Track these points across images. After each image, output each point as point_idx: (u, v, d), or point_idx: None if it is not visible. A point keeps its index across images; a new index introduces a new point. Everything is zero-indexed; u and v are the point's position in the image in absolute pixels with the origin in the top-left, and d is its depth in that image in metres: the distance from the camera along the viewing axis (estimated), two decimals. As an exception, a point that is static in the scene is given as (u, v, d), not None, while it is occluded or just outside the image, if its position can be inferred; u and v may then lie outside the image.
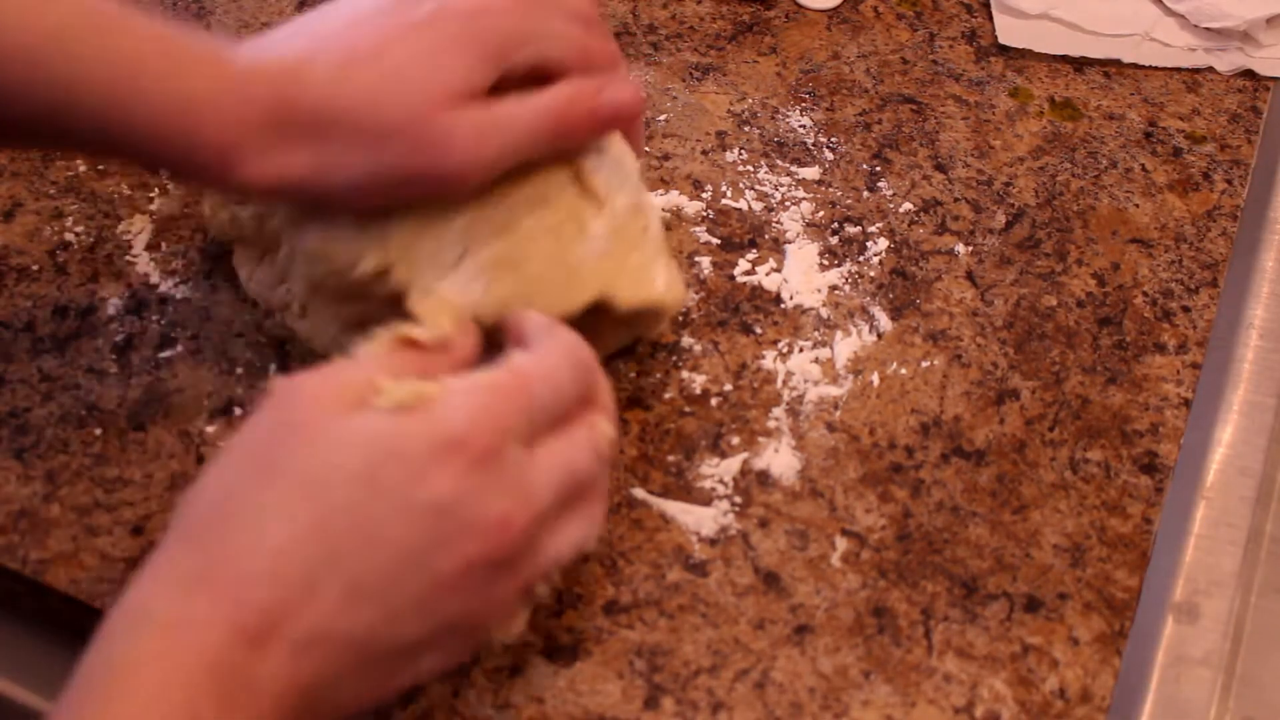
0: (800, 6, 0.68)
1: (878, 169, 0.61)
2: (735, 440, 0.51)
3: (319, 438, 0.38)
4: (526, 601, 0.42)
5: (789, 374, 0.53)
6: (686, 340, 0.54)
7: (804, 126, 0.62)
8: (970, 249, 0.58)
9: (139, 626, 0.37)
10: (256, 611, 0.36)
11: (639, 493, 0.50)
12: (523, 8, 0.48)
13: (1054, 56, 0.66)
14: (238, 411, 0.51)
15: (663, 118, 0.62)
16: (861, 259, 0.57)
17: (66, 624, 0.48)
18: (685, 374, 0.53)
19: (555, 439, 0.41)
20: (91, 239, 0.57)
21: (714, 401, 0.52)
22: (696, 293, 0.56)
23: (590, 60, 0.49)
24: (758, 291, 0.56)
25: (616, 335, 0.52)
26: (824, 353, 0.54)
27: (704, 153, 0.61)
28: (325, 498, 0.38)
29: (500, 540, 0.39)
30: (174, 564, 0.38)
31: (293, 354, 0.53)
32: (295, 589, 0.37)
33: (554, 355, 0.43)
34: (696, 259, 0.57)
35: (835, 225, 0.58)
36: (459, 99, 0.45)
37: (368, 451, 0.38)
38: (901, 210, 0.59)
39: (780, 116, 0.63)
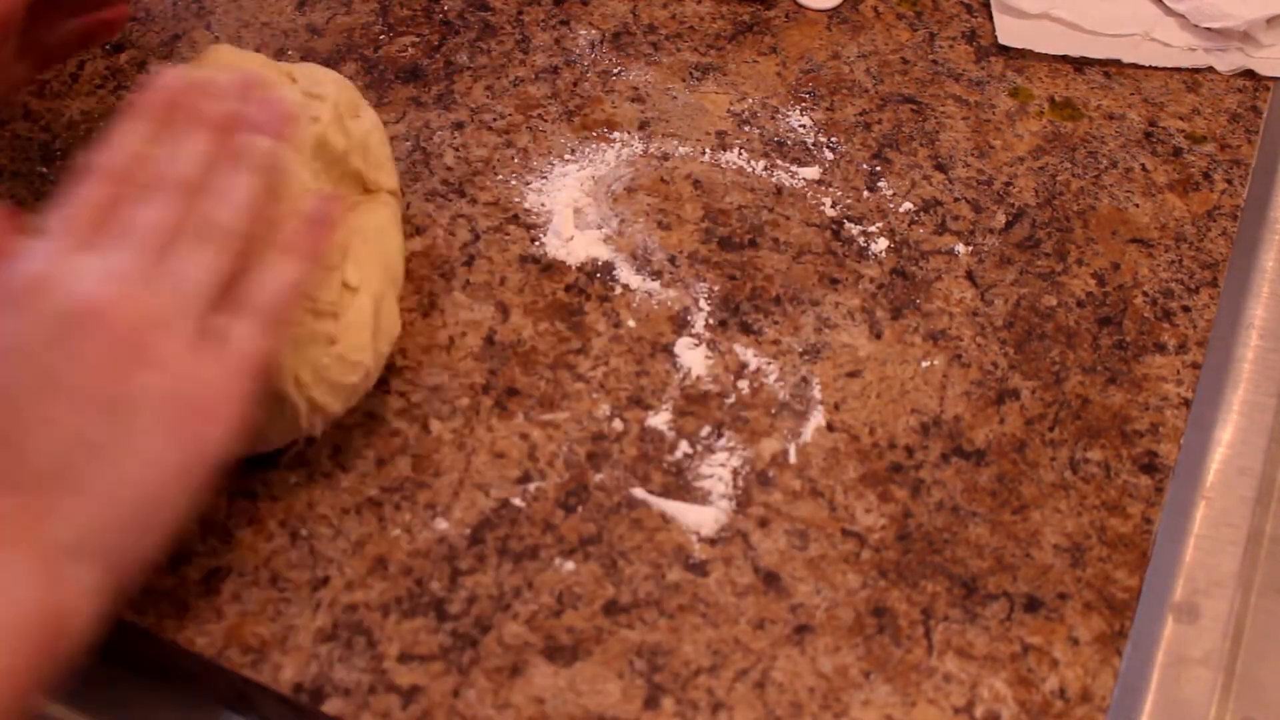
0: (800, 6, 0.68)
1: (878, 169, 0.61)
2: (735, 440, 0.51)
3: None
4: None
5: (788, 374, 0.53)
6: (686, 340, 0.54)
7: (804, 126, 0.62)
8: (970, 249, 0.58)
9: None
10: None
11: (639, 493, 0.50)
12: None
13: (1054, 56, 0.66)
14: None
15: (663, 118, 0.62)
16: (861, 259, 0.57)
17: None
18: (685, 374, 0.53)
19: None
20: (91, 239, 0.57)
21: (714, 401, 0.52)
22: (696, 293, 0.56)
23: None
24: (758, 292, 0.56)
25: None
26: (824, 352, 0.54)
27: (704, 152, 0.61)
28: None
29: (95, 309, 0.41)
30: None
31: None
32: None
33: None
34: (697, 259, 0.57)
35: (835, 225, 0.58)
36: None
37: None
38: (901, 210, 0.59)
39: (780, 116, 0.63)
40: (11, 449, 0.40)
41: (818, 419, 0.52)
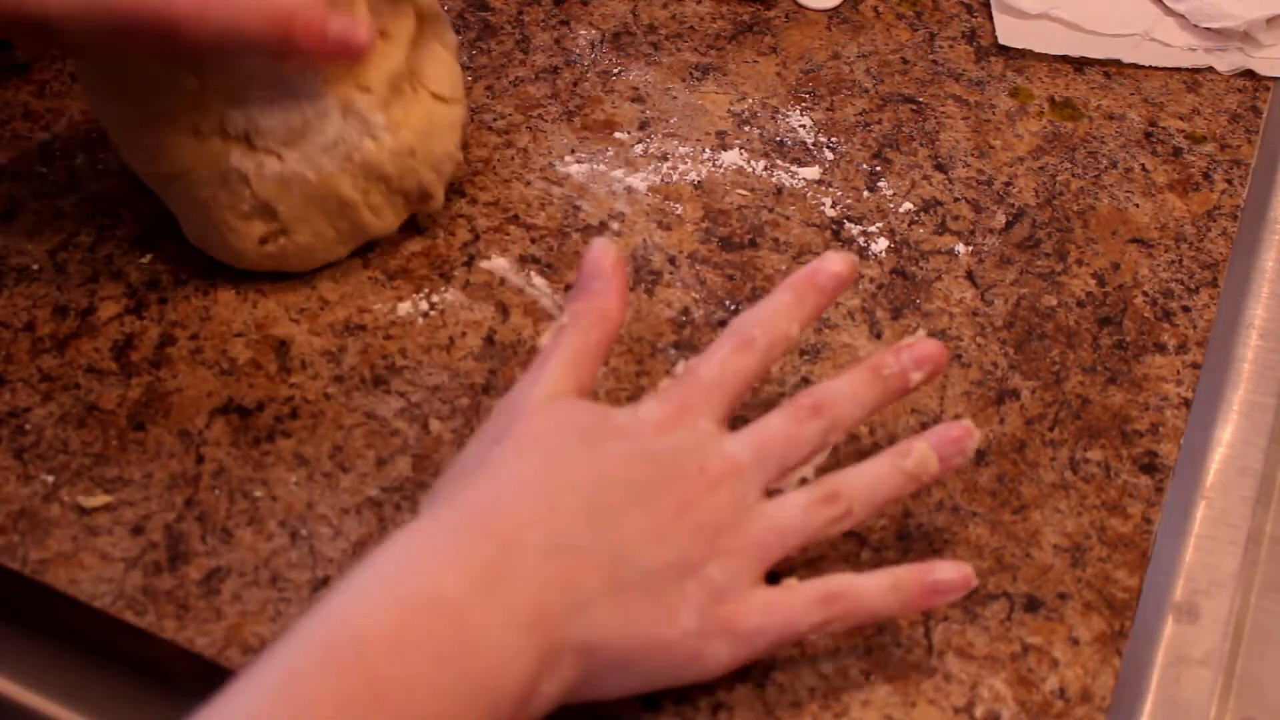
0: (800, 6, 0.68)
1: (878, 169, 0.61)
2: (735, 440, 0.51)
3: (539, 413, 0.44)
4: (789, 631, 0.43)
5: (788, 374, 0.53)
6: (687, 341, 0.54)
7: (804, 126, 0.62)
8: (970, 249, 0.58)
9: (392, 538, 0.41)
10: (502, 520, 0.41)
11: (639, 493, 0.50)
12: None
13: (1054, 56, 0.66)
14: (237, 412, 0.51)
15: (663, 118, 0.62)
16: (861, 259, 0.57)
17: (66, 624, 0.48)
18: (685, 374, 0.53)
19: (753, 422, 0.46)
20: (91, 239, 0.57)
21: (714, 401, 0.52)
22: (696, 293, 0.56)
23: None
24: (758, 292, 0.56)
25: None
26: (824, 352, 0.54)
27: (704, 152, 0.61)
28: (552, 443, 0.43)
29: (703, 483, 0.43)
30: (423, 510, 0.44)
31: (292, 352, 0.53)
32: (536, 506, 0.41)
33: (722, 351, 0.46)
34: (697, 259, 0.57)
35: (835, 225, 0.58)
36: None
37: (582, 417, 0.44)
38: (901, 210, 0.59)
39: (780, 116, 0.63)
40: (593, 521, 0.42)
41: (818, 419, 0.52)
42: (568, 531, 0.41)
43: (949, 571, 0.44)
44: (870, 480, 0.45)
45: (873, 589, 0.43)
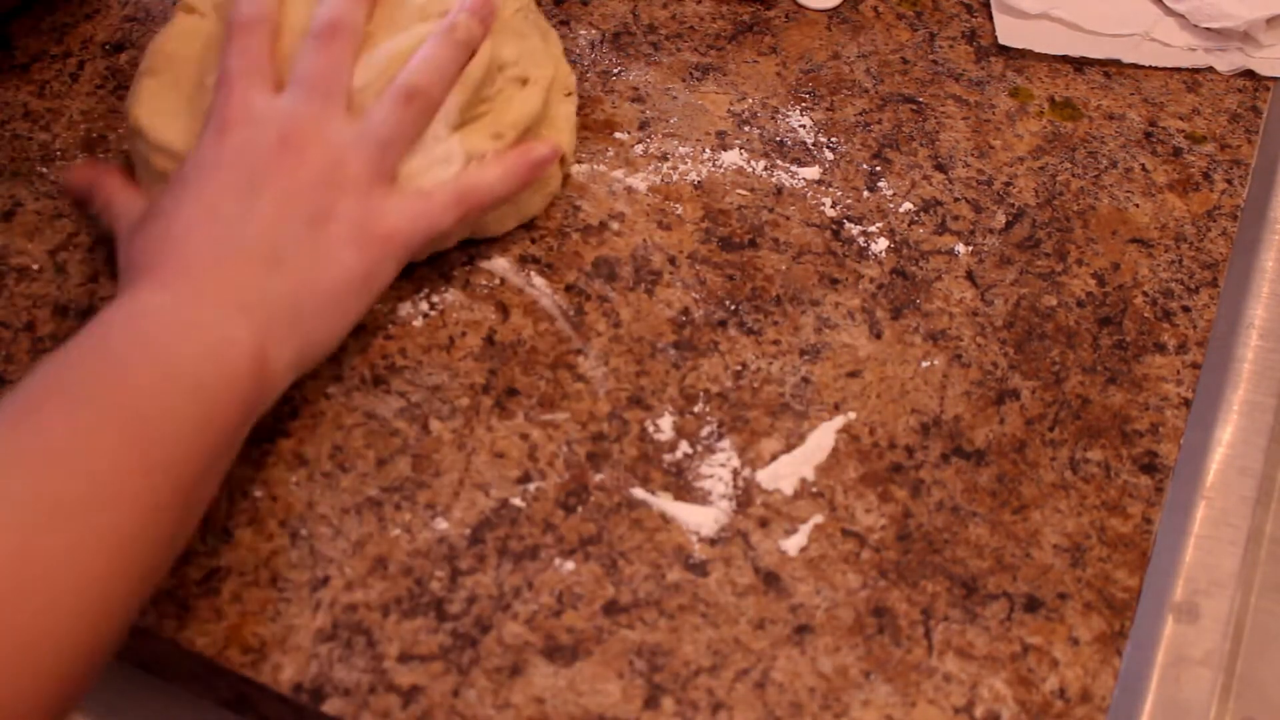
0: (800, 6, 0.68)
1: (878, 169, 0.61)
2: (735, 440, 0.51)
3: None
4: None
5: (788, 374, 0.53)
6: (687, 341, 0.54)
7: (804, 126, 0.62)
8: (970, 249, 0.58)
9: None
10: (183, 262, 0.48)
11: (639, 493, 0.50)
12: None
13: (1054, 56, 0.66)
14: (238, 411, 0.51)
15: (663, 118, 0.62)
16: (861, 259, 0.57)
17: (66, 624, 0.48)
18: (685, 374, 0.53)
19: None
20: (91, 239, 0.57)
21: (714, 402, 0.52)
22: (696, 293, 0.56)
23: None
24: (758, 292, 0.56)
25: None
26: (824, 352, 0.54)
27: (704, 152, 0.61)
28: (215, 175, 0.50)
29: (299, 151, 0.50)
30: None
31: (293, 354, 0.53)
32: (203, 229, 0.48)
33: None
34: (697, 259, 0.57)
35: (835, 225, 0.58)
36: None
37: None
38: (901, 210, 0.59)
39: (780, 116, 0.63)
40: (234, 229, 0.48)
41: (817, 419, 0.52)
42: (225, 231, 0.48)
43: (541, 149, 0.55)
44: (433, 64, 0.52)
45: (492, 178, 0.53)
